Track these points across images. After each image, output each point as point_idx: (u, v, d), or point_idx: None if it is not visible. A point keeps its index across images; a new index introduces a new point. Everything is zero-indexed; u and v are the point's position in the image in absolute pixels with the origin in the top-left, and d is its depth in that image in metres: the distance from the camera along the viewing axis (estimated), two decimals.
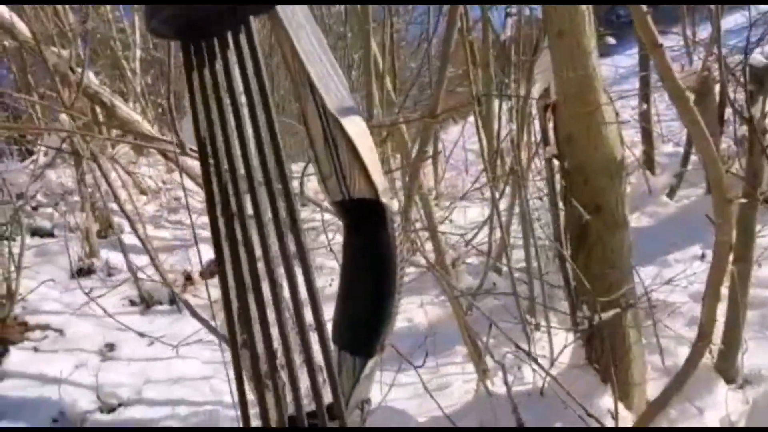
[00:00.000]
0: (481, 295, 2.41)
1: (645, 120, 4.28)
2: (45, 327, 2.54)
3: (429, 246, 2.96)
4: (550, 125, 2.16)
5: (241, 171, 0.46)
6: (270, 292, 0.49)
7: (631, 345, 1.95)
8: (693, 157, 4.05)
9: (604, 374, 1.95)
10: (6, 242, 2.67)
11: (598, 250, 1.98)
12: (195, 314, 1.78)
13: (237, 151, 0.46)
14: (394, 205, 0.49)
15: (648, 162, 4.30)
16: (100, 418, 2.15)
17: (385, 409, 2.20)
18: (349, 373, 0.55)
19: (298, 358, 0.51)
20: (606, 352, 1.96)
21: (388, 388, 2.07)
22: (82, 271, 3.20)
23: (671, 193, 4.02)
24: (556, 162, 2.21)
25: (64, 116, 2.78)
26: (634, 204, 3.89)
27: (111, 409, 2.21)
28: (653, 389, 2.00)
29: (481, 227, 3.74)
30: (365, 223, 0.50)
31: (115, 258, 3.19)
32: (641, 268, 2.55)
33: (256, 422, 0.49)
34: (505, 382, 2.04)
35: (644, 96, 4.23)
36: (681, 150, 4.13)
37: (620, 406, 1.91)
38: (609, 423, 1.81)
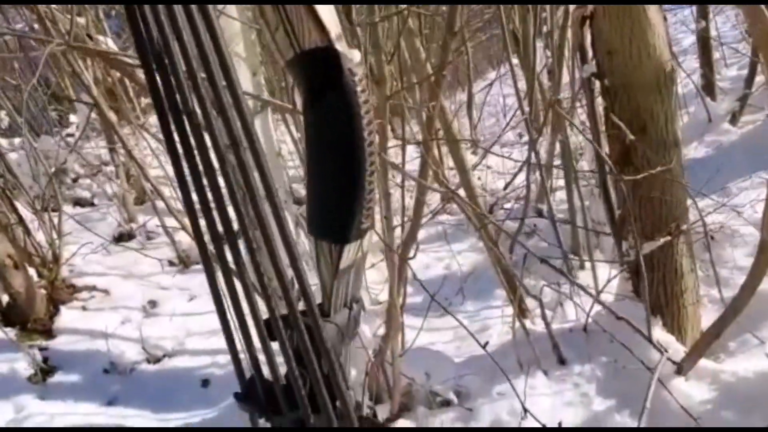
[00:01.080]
0: (509, 224, 2.27)
1: (703, 39, 3.83)
2: (91, 288, 2.65)
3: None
4: (588, 40, 1.95)
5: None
6: (226, 186, 0.43)
7: (683, 275, 1.80)
8: (759, 78, 3.63)
9: (654, 306, 1.81)
10: (47, 213, 2.75)
11: (644, 173, 1.80)
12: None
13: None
14: (355, 55, 0.40)
15: (707, 87, 3.87)
16: (147, 368, 2.25)
17: (422, 350, 2.17)
18: (327, 262, 0.47)
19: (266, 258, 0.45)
20: (656, 283, 1.81)
21: (417, 332, 2.04)
22: (123, 237, 3.30)
23: (734, 119, 3.64)
24: (596, 82, 2.02)
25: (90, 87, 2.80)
26: (691, 133, 3.57)
27: (157, 360, 2.30)
28: (710, 322, 1.86)
29: (521, 168, 3.52)
30: (321, 83, 0.40)
31: (154, 223, 3.27)
32: (701, 200, 2.35)
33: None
34: (543, 318, 1.95)
35: (702, 11, 3.78)
36: (745, 73, 3.70)
37: (671, 338, 1.78)
38: (657, 356, 1.69)
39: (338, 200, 0.44)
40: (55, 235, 2.60)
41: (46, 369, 2.15)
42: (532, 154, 2.77)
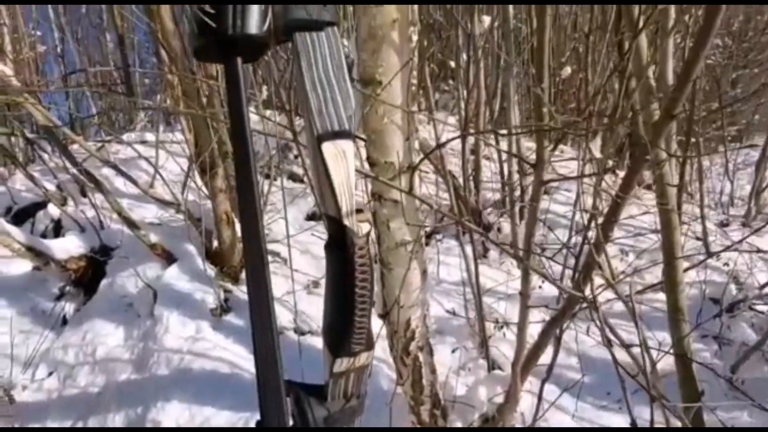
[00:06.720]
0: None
1: None
2: (275, 254, 3.20)
3: None
4: None
5: None
6: None
7: None
8: None
9: None
10: (267, 180, 3.41)
11: None
12: None
13: None
14: (363, 228, 0.49)
15: None
16: (292, 336, 2.64)
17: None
18: (326, 360, 0.58)
19: None
20: None
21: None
22: (315, 216, 3.85)
23: None
24: None
25: None
26: None
27: (302, 333, 2.67)
28: None
29: None
30: (335, 239, 0.52)
31: None
32: None
33: None
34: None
35: None
36: None
37: None
38: None
39: (333, 325, 0.54)
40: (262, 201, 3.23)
41: (224, 308, 2.73)
42: None
